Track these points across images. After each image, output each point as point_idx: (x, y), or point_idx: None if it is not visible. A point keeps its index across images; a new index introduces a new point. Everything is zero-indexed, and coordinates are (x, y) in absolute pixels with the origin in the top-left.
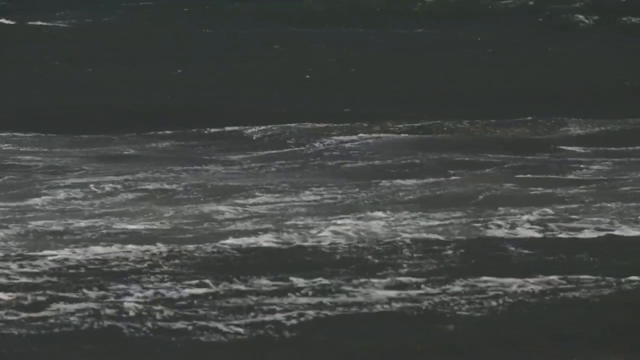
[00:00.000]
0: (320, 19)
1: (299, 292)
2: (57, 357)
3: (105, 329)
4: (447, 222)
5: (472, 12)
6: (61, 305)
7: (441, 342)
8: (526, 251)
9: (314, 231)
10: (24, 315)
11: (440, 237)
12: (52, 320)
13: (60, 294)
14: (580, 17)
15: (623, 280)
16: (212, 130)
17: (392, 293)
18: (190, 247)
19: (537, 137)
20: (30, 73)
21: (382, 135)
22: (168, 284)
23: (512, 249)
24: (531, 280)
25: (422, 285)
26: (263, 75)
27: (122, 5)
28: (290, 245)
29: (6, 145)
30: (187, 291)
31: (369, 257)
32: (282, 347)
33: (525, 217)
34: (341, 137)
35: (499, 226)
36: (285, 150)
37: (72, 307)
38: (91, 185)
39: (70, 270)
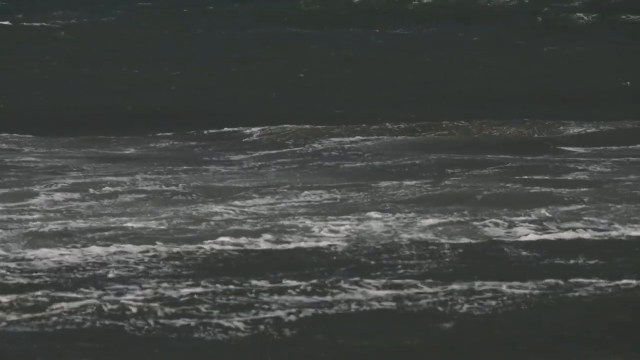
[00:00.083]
0: (319, 20)
1: (299, 292)
2: (57, 356)
3: (105, 329)
4: (446, 222)
5: (471, 13)
6: (61, 305)
7: (441, 342)
8: (525, 251)
9: (313, 232)
10: (24, 314)
11: (440, 238)
12: (51, 320)
13: (60, 293)
14: (580, 14)
15: (622, 280)
16: (211, 130)
17: (392, 293)
18: (190, 247)
19: (536, 138)
20: (30, 73)
21: (381, 135)
22: (167, 284)
23: (511, 249)
24: (530, 280)
25: (422, 285)
26: (262, 76)
27: (121, 6)
28: (290, 245)
29: (5, 145)
30: (187, 291)
31: (368, 257)
32: (281, 346)
33: (524, 218)
34: (340, 138)
35: (498, 226)
36: (284, 150)
37: (71, 306)
38: (90, 186)
39: (70, 270)
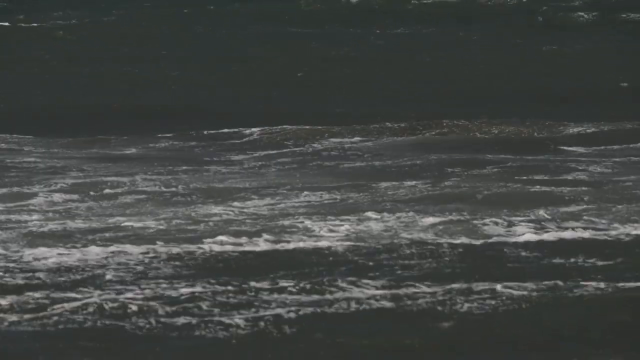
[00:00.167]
0: (319, 20)
1: (298, 291)
2: (58, 355)
3: (106, 328)
4: (446, 222)
5: (471, 12)
6: (61, 305)
7: (441, 341)
8: (525, 251)
9: (313, 232)
10: (24, 314)
11: (440, 237)
12: (52, 319)
13: (60, 293)
14: (580, 13)
15: (623, 280)
16: (212, 130)
17: (391, 292)
18: (190, 247)
19: (536, 137)
20: (30, 73)
21: (381, 135)
22: (167, 284)
23: (511, 249)
24: (530, 280)
25: (422, 285)
26: (262, 76)
27: (122, 6)
28: (290, 245)
29: (5, 145)
30: (187, 290)
31: (368, 257)
32: (281, 344)
33: (524, 217)
34: (340, 138)
35: (498, 226)
36: (284, 150)
37: (72, 305)
38: (90, 186)
39: (69, 271)
